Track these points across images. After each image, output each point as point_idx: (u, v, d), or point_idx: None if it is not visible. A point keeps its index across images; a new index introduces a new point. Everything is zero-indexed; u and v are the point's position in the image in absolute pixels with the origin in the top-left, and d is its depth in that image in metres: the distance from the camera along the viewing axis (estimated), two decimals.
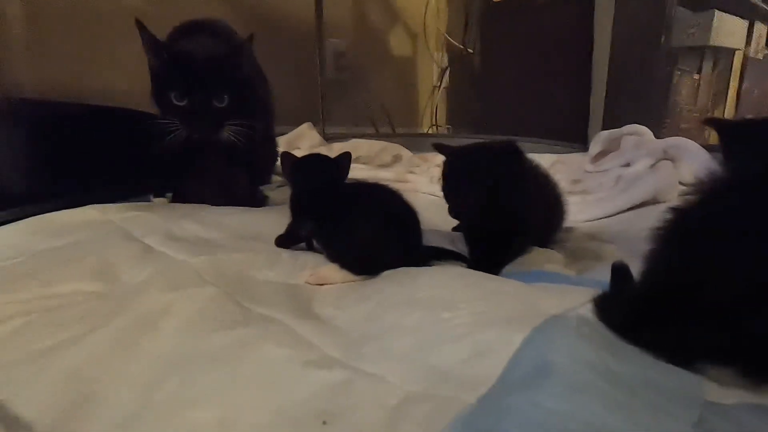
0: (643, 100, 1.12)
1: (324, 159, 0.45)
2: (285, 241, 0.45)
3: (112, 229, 0.47)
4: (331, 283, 0.36)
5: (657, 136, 1.17)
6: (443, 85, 1.69)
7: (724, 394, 0.18)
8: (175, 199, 0.63)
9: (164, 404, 0.20)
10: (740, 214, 0.22)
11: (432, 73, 1.71)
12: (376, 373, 0.22)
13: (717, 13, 1.12)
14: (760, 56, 1.51)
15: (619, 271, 0.27)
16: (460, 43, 1.60)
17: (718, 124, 0.30)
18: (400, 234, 0.39)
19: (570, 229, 0.55)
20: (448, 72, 1.67)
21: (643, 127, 0.79)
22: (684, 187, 0.64)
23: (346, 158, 0.46)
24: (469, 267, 0.39)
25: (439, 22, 1.63)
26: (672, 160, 0.64)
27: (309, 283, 0.36)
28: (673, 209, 0.25)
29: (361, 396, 0.20)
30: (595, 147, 0.86)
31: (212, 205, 0.59)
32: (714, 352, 0.20)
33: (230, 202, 0.60)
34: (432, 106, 1.72)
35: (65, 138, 0.60)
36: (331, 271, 0.38)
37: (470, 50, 1.57)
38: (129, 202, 0.61)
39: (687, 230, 0.24)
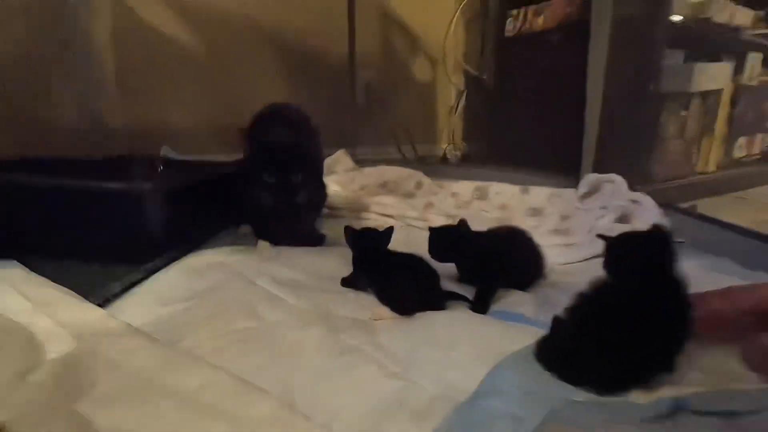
0: (633, 137, 1.29)
1: (374, 232, 0.67)
2: (348, 283, 0.68)
3: (232, 272, 0.70)
4: (383, 319, 0.59)
5: (646, 167, 1.35)
6: (460, 106, 1.88)
7: (583, 395, 0.40)
8: (256, 234, 0.87)
9: (312, 395, 0.43)
10: (604, 306, 0.44)
11: (450, 96, 1.90)
12: (418, 382, 0.44)
13: (697, 65, 1.28)
14: (754, 83, 1.65)
15: (555, 321, 0.49)
16: (475, 69, 1.79)
17: (602, 237, 0.51)
18: (424, 287, 0.61)
19: (551, 270, 0.75)
20: (464, 95, 1.86)
21: (619, 177, 0.98)
22: None
23: (389, 231, 0.67)
24: (469, 303, 0.61)
25: (457, 51, 1.81)
26: (630, 215, 0.85)
27: (371, 319, 0.59)
28: (578, 294, 0.47)
29: (411, 394, 0.42)
30: (582, 188, 1.06)
31: (284, 242, 0.82)
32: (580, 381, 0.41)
33: (298, 242, 0.84)
34: (449, 125, 1.92)
35: (196, 191, 0.84)
36: (383, 311, 0.60)
37: (484, 77, 1.75)
38: (220, 234, 0.86)
39: (581, 308, 0.46)
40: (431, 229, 0.67)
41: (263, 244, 0.82)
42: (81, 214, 0.72)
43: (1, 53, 1.07)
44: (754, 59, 1.60)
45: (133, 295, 0.61)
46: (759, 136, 1.77)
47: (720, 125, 1.55)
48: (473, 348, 0.48)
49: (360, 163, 1.51)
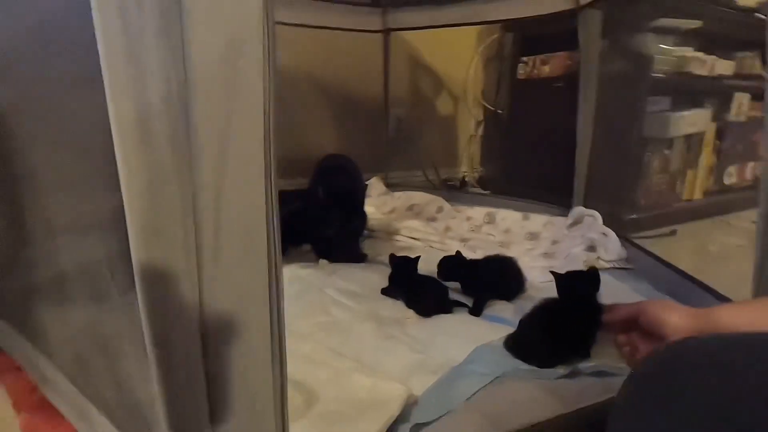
0: (620, 173, 1.55)
1: (406, 259, 0.98)
2: (387, 293, 0.99)
3: (307, 283, 1.02)
4: (411, 318, 0.90)
5: (633, 198, 1.59)
6: (479, 134, 2.16)
7: (527, 367, 0.69)
8: (316, 253, 1.19)
9: (371, 361, 0.74)
10: (547, 313, 0.73)
11: (470, 127, 2.18)
12: (432, 356, 0.74)
13: (675, 115, 1.53)
14: (742, 118, 1.86)
15: (520, 322, 0.78)
16: (492, 105, 2.06)
17: (552, 273, 0.80)
18: (437, 297, 0.91)
19: (532, 287, 1.03)
20: (482, 125, 2.14)
21: (597, 213, 1.26)
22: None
23: (416, 260, 0.98)
24: (469, 309, 0.91)
25: (476, 89, 2.09)
26: (598, 245, 1.12)
27: (406, 317, 0.90)
28: (535, 306, 0.76)
29: (427, 362, 0.73)
30: (569, 219, 1.34)
31: (338, 260, 1.14)
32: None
33: (348, 260, 1.16)
34: (469, 151, 2.20)
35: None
36: (411, 313, 0.91)
37: (499, 111, 2.03)
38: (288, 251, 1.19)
39: (534, 315, 0.75)
40: (440, 260, 0.97)
41: (323, 262, 1.15)
42: None
43: None
44: (740, 98, 1.81)
45: None
46: (750, 165, 1.97)
47: (705, 159, 1.77)
48: (468, 337, 0.78)
49: (391, 186, 1.82)
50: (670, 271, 0.96)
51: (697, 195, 1.79)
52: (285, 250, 1.21)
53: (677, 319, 0.52)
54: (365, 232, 1.35)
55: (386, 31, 1.74)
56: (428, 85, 2.07)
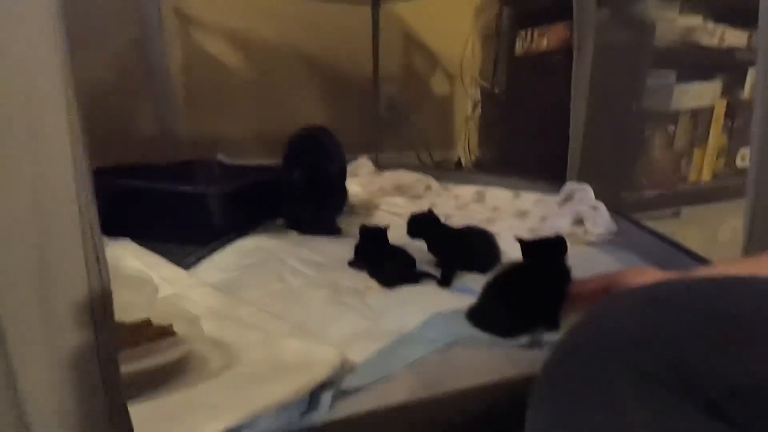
0: (617, 151, 1.45)
1: (375, 230, 0.91)
2: (353, 264, 0.92)
3: (269, 253, 0.96)
4: (372, 289, 0.83)
5: (632, 177, 1.50)
6: (475, 115, 2.08)
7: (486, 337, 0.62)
8: (288, 225, 1.14)
9: (314, 325, 0.68)
10: (508, 279, 0.66)
11: (467, 107, 2.10)
12: (382, 324, 0.68)
13: (679, 86, 1.42)
14: None
15: (482, 288, 0.71)
16: (489, 84, 1.98)
17: (519, 240, 0.72)
18: (402, 268, 0.84)
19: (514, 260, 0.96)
20: (479, 105, 2.05)
21: (588, 186, 1.17)
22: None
23: (384, 231, 0.91)
24: (438, 281, 0.84)
25: (473, 67, 2.01)
26: (586, 218, 1.04)
27: (367, 287, 0.83)
28: (495, 272, 0.69)
29: (376, 329, 0.66)
30: (560, 195, 1.25)
31: (308, 232, 1.08)
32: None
33: (320, 232, 1.09)
34: (466, 132, 2.12)
35: (245, 191, 1.11)
36: (373, 284, 0.84)
37: (496, 90, 1.94)
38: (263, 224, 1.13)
39: (495, 281, 0.68)
40: (410, 216, 0.91)
41: (291, 234, 1.09)
42: (164, 208, 1.01)
43: (98, 80, 1.39)
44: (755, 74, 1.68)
45: (202, 265, 0.89)
46: None
47: (714, 138, 1.66)
48: (427, 307, 0.71)
49: (382, 167, 1.75)
50: (666, 245, 0.87)
51: (706, 177, 1.68)
52: (258, 224, 1.17)
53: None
54: (344, 208, 1.29)
55: (375, 2, 1.67)
56: (422, 62, 1.99)
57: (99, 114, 1.38)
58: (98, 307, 0.26)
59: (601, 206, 1.06)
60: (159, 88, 1.51)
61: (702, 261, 0.82)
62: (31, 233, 0.24)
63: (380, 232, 0.91)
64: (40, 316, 0.24)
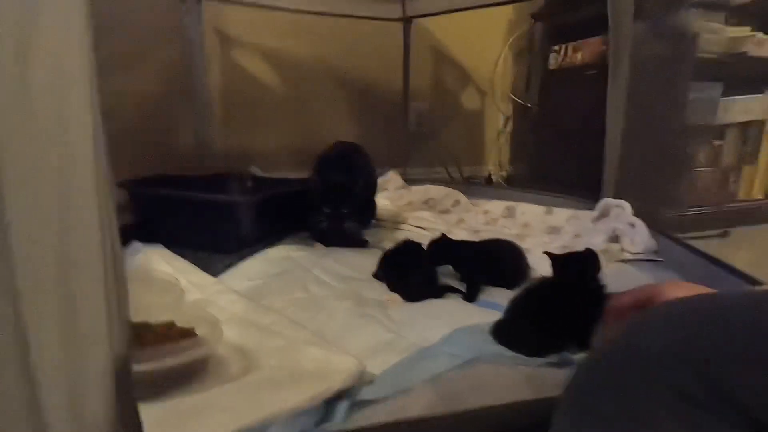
0: (657, 166, 1.39)
1: (410, 244, 0.90)
2: (376, 276, 0.91)
3: (296, 263, 0.97)
4: (395, 302, 0.82)
5: (674, 194, 1.42)
6: (507, 130, 2.05)
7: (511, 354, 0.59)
8: (313, 238, 1.14)
9: (335, 336, 0.67)
10: (537, 295, 0.63)
11: (497, 122, 2.07)
12: (405, 336, 0.66)
13: (725, 99, 1.35)
14: None
15: (509, 304, 0.68)
16: (521, 99, 1.95)
17: (548, 254, 0.69)
18: (424, 281, 0.82)
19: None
20: (510, 121, 2.03)
21: (626, 203, 1.12)
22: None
23: (418, 245, 0.90)
24: (463, 296, 0.82)
25: (504, 83, 1.99)
26: (623, 236, 0.99)
27: (387, 299, 0.82)
28: (524, 288, 0.66)
29: (397, 342, 0.64)
30: (596, 211, 1.20)
31: (333, 245, 1.09)
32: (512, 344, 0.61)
33: (348, 244, 1.09)
34: (497, 148, 2.09)
35: (275, 203, 1.13)
36: (394, 297, 0.83)
37: (529, 105, 1.91)
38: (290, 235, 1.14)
39: (523, 297, 0.65)
40: (428, 244, 0.89)
41: (317, 245, 1.09)
42: (197, 216, 1.04)
43: (143, 95, 1.47)
44: None
45: (230, 272, 0.90)
46: None
47: (766, 154, 1.56)
48: (451, 321, 0.69)
49: (411, 182, 1.74)
50: (712, 265, 0.81)
51: (757, 195, 1.57)
52: (286, 235, 1.18)
53: None
54: (372, 221, 1.29)
55: (407, 19, 1.69)
56: (452, 78, 1.99)
57: (142, 127, 1.46)
58: (113, 299, 0.26)
59: (640, 223, 1.01)
60: (198, 103, 1.58)
61: (753, 282, 0.76)
62: (54, 222, 0.24)
63: (417, 247, 0.90)
64: (59, 304, 0.24)
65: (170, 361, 0.46)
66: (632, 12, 1.25)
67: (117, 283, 0.26)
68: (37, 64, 0.22)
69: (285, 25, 1.64)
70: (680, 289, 0.44)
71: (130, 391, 0.27)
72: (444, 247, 0.87)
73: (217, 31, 1.59)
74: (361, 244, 1.14)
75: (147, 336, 0.50)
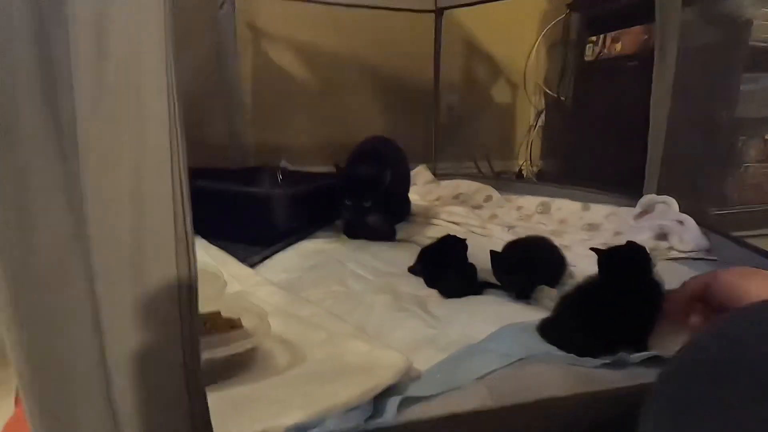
0: (703, 162, 1.32)
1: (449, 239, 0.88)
2: (412, 271, 0.90)
3: (330, 256, 0.96)
4: (434, 297, 0.80)
5: (720, 191, 1.36)
6: (539, 124, 2.00)
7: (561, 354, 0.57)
8: (344, 231, 1.13)
9: (375, 330, 0.65)
10: (591, 295, 0.60)
11: (529, 116, 2.02)
12: (446, 332, 0.64)
13: None
14: None
15: (558, 302, 0.65)
16: (555, 92, 1.90)
17: (594, 250, 0.66)
18: (461, 278, 0.80)
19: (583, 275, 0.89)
20: (543, 114, 1.97)
21: (672, 199, 1.07)
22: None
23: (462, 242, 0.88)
24: (516, 294, 0.79)
25: (537, 75, 1.94)
26: (671, 233, 0.94)
27: (428, 295, 0.80)
28: (576, 285, 0.63)
29: (439, 338, 0.63)
30: (637, 208, 1.16)
31: (369, 237, 1.08)
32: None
33: (372, 237, 1.08)
34: (528, 143, 2.04)
35: (307, 196, 1.13)
36: (433, 291, 0.81)
37: (563, 98, 1.86)
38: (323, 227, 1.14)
39: (573, 295, 0.62)
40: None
41: (343, 237, 1.10)
42: (233, 209, 1.05)
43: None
44: None
45: (266, 265, 0.90)
46: None
47: None
48: (492, 317, 0.67)
49: (440, 176, 1.72)
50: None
51: None
52: (318, 228, 1.17)
53: (763, 286, 0.38)
54: (407, 217, 1.28)
55: (438, 11, 1.66)
56: (483, 70, 1.95)
57: None
58: (184, 292, 0.25)
59: (689, 220, 0.96)
60: (231, 97, 1.59)
61: None
62: (129, 212, 0.24)
63: (457, 242, 0.88)
64: (133, 291, 0.24)
65: (220, 351, 0.45)
66: None
67: (189, 271, 0.25)
68: (114, 37, 0.22)
69: (316, 19, 1.64)
70: (750, 276, 0.41)
71: (199, 379, 0.27)
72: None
73: (249, 24, 1.59)
74: (386, 237, 1.12)
75: None
